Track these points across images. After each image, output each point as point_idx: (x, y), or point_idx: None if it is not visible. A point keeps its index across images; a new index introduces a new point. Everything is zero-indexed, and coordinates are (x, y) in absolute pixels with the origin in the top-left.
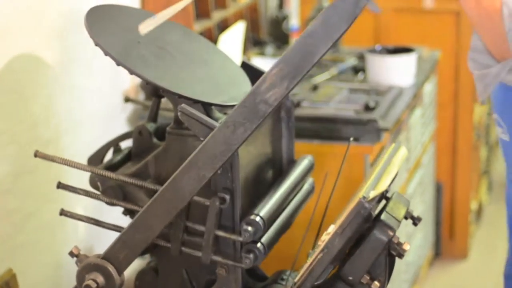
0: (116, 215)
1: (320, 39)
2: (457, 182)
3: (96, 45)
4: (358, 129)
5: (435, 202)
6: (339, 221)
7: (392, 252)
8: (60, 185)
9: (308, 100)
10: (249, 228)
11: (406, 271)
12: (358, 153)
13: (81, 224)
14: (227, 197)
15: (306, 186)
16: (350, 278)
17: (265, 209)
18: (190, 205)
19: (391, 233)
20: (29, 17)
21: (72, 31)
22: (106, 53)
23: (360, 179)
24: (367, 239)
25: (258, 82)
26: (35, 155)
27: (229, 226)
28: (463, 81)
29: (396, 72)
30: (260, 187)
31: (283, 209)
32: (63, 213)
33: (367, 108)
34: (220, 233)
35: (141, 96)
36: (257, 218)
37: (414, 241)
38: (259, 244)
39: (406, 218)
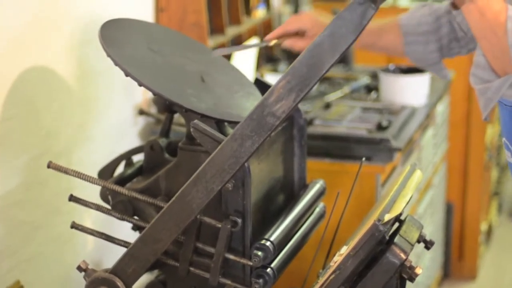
0: (126, 229)
1: (327, 50)
2: (467, 203)
3: (108, 56)
4: (371, 148)
5: (445, 223)
6: (353, 243)
7: (403, 275)
8: (72, 198)
9: (321, 118)
10: (260, 253)
11: None
12: (370, 172)
13: (90, 237)
14: (239, 220)
15: (317, 211)
16: None
17: (275, 234)
18: (201, 226)
19: (404, 257)
20: (43, 29)
21: (86, 44)
22: (116, 64)
23: (372, 198)
24: (380, 262)
25: (265, 94)
26: (48, 166)
27: (239, 249)
28: (476, 102)
29: (409, 91)
30: (271, 210)
31: (294, 234)
32: (74, 226)
33: (380, 128)
34: (230, 256)
35: (153, 111)
36: (268, 243)
37: (423, 261)
38: (269, 269)
39: (419, 241)
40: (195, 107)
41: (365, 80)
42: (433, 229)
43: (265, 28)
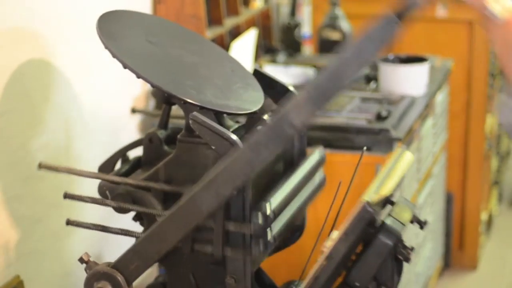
0: (124, 222)
1: (351, 66)
2: (467, 192)
3: (105, 48)
4: (370, 138)
5: (445, 213)
6: (343, 227)
7: (398, 256)
8: (67, 195)
9: None
10: (259, 217)
11: (415, 281)
12: (369, 162)
13: (89, 231)
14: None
15: (317, 179)
16: (357, 284)
17: (275, 198)
18: None
19: (397, 237)
20: (40, 22)
21: (84, 37)
22: (114, 56)
23: None
24: (372, 244)
25: (286, 105)
26: (39, 167)
27: (239, 217)
28: (475, 91)
29: (409, 81)
30: (270, 178)
31: (293, 199)
32: (69, 222)
33: (379, 118)
34: (230, 225)
35: (151, 103)
36: (267, 208)
37: (424, 251)
38: (268, 234)
39: (412, 222)
40: (194, 99)
41: (364, 70)
42: (433, 219)
43: (263, 19)
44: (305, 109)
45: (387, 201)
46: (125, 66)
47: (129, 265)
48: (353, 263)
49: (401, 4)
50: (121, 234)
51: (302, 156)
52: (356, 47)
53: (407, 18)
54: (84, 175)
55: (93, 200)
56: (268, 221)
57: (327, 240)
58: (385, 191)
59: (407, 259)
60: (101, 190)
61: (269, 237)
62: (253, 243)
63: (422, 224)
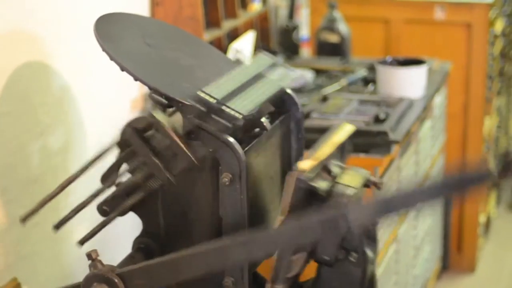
0: (120, 228)
1: (423, 197)
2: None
3: (103, 50)
4: (368, 141)
5: (444, 215)
6: (283, 204)
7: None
8: (57, 226)
9: (318, 111)
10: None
11: (413, 284)
12: (367, 165)
13: (86, 234)
14: None
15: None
16: (327, 258)
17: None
18: None
19: (346, 201)
20: (39, 24)
21: (81, 39)
22: (112, 58)
23: (369, 191)
24: (326, 213)
25: (351, 203)
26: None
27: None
28: (473, 93)
29: (407, 84)
30: (268, 204)
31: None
32: (82, 242)
33: (377, 120)
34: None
35: (149, 106)
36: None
37: (422, 254)
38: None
39: (368, 186)
40: (191, 101)
41: (362, 72)
42: (431, 222)
43: (261, 21)
44: (366, 213)
45: (327, 171)
46: (122, 69)
47: (135, 279)
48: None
49: (505, 168)
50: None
51: (299, 159)
52: (439, 182)
53: (501, 181)
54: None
55: (103, 225)
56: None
57: (276, 221)
58: (318, 157)
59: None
60: (100, 209)
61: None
62: None
63: (378, 185)
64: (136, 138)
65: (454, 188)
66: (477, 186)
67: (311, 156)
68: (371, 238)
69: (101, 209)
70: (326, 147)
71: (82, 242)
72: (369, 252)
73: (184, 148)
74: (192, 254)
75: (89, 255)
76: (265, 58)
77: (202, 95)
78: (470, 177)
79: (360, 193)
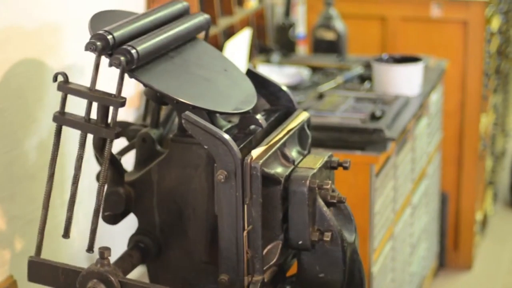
0: (116, 226)
1: None
2: (462, 192)
3: None
4: (364, 138)
5: (440, 213)
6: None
7: (330, 200)
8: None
9: (314, 109)
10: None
11: (410, 281)
12: (363, 162)
13: (84, 231)
14: None
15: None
16: (300, 242)
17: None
18: None
19: (307, 181)
20: (34, 22)
21: (77, 37)
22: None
23: (365, 189)
24: (289, 198)
25: None
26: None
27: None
28: (470, 91)
29: (403, 81)
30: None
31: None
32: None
33: (373, 117)
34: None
35: (144, 103)
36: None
37: (418, 251)
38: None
39: (334, 167)
40: (186, 99)
41: (358, 70)
42: (428, 219)
43: (257, 18)
44: None
45: (284, 157)
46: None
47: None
48: (286, 224)
49: None
50: None
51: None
52: None
53: None
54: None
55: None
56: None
57: None
58: (269, 142)
59: (341, 200)
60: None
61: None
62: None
63: (344, 165)
64: None
65: None
66: None
67: (263, 143)
68: (346, 217)
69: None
70: (279, 133)
71: (89, 249)
72: (345, 231)
73: None
74: None
75: (102, 253)
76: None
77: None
78: None
79: (324, 174)
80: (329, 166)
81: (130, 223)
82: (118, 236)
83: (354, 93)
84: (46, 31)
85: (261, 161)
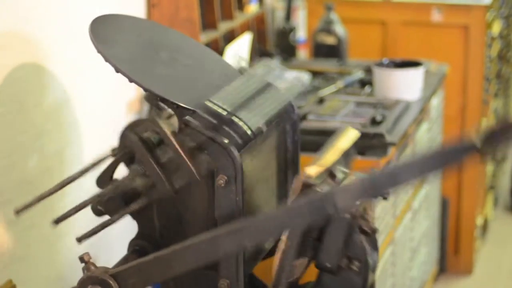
0: (115, 230)
1: (411, 172)
2: (463, 197)
3: (98, 52)
4: (364, 143)
5: (441, 218)
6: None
7: (364, 229)
8: (57, 221)
9: (314, 113)
10: None
11: (410, 286)
12: (364, 167)
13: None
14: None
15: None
16: (328, 265)
17: None
18: None
19: (353, 210)
20: (33, 26)
21: (77, 41)
22: (107, 60)
23: None
24: (330, 221)
25: (337, 187)
26: (16, 212)
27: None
28: (471, 95)
29: (403, 86)
30: (264, 207)
31: None
32: (80, 240)
33: (374, 122)
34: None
35: (145, 108)
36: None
37: (419, 256)
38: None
39: None
40: (186, 103)
41: (359, 74)
42: (428, 224)
43: (258, 23)
44: (352, 195)
45: (332, 176)
46: (117, 70)
47: (128, 279)
48: (319, 244)
49: (488, 139)
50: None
51: (295, 161)
52: (423, 157)
53: (486, 153)
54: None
55: (103, 226)
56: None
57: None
58: (325, 163)
59: (374, 231)
60: (94, 210)
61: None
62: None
63: (385, 195)
64: (140, 147)
65: (439, 162)
66: (462, 159)
67: (317, 161)
68: (373, 246)
69: (95, 209)
70: (332, 153)
71: (80, 239)
72: (370, 261)
73: (189, 163)
74: (182, 248)
75: (81, 258)
76: (271, 65)
77: (211, 105)
78: (455, 150)
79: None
80: None
81: (129, 227)
82: (117, 241)
83: (355, 98)
84: (46, 35)
85: (314, 181)
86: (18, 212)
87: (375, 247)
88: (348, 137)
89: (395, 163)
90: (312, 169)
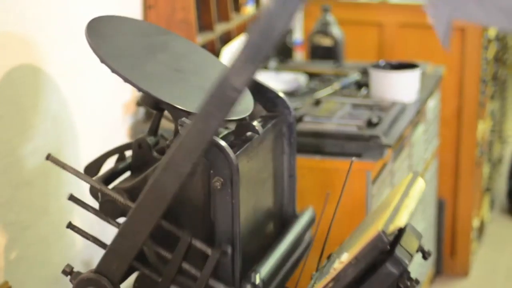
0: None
1: (279, 18)
2: (459, 199)
3: (94, 52)
4: (361, 145)
5: (437, 219)
6: (354, 251)
7: (400, 285)
8: (72, 198)
9: (310, 115)
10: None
11: None
12: (360, 169)
13: (78, 237)
14: (229, 251)
15: (306, 239)
16: None
17: (264, 267)
18: (189, 247)
19: (404, 268)
20: (30, 28)
21: (73, 42)
22: (102, 61)
23: (362, 195)
24: (379, 271)
25: (225, 71)
26: (47, 158)
27: (229, 282)
28: (467, 98)
29: (400, 88)
30: (261, 238)
31: (283, 266)
32: (70, 226)
33: (370, 124)
34: (215, 285)
35: (141, 109)
36: (257, 279)
37: (415, 258)
38: None
39: (417, 251)
40: (183, 105)
41: (355, 76)
42: (425, 225)
43: None
44: (244, 70)
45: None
46: (113, 71)
47: (110, 267)
48: (356, 285)
49: None
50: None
51: (292, 185)
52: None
53: None
54: (86, 180)
55: (96, 213)
56: None
57: (336, 262)
58: (401, 222)
59: None
60: (93, 191)
61: None
62: None
63: (426, 255)
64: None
65: None
66: None
67: (393, 216)
68: None
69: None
70: (405, 209)
71: (69, 225)
72: None
73: None
74: (135, 210)
75: (64, 272)
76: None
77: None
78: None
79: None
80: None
81: None
82: None
83: (351, 100)
84: (43, 37)
85: (388, 239)
86: (49, 158)
87: None
88: (417, 190)
89: (259, 19)
90: (392, 227)
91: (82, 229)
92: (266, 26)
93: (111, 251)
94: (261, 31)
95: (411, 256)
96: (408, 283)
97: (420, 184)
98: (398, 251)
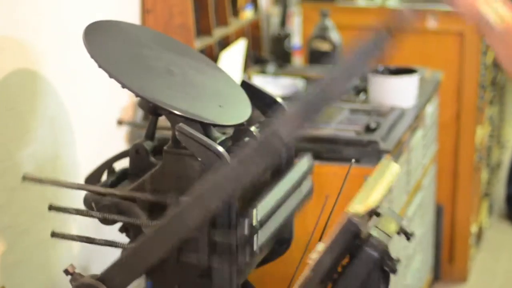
0: (110, 233)
1: (339, 84)
2: (457, 204)
3: (91, 57)
4: (359, 150)
5: (435, 225)
6: (328, 239)
7: (385, 268)
8: (52, 207)
9: None
10: (245, 226)
11: None
12: (358, 174)
13: (75, 242)
14: None
15: (304, 188)
16: None
17: (261, 207)
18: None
19: (383, 249)
20: (27, 32)
21: (71, 47)
22: (100, 65)
23: None
24: (358, 256)
25: (276, 120)
26: (23, 179)
27: (225, 226)
28: (465, 103)
29: (398, 93)
30: (257, 187)
31: (279, 208)
32: (54, 234)
33: (368, 129)
34: (216, 234)
35: (139, 113)
36: (253, 217)
37: (413, 264)
38: (254, 244)
39: (399, 233)
40: (180, 110)
41: (353, 81)
42: (423, 231)
43: (252, 29)
44: (294, 123)
45: (373, 212)
46: (110, 76)
47: (114, 278)
48: (339, 275)
49: (391, 19)
50: (106, 245)
51: (289, 164)
52: (344, 66)
53: (397, 32)
54: (69, 186)
55: (78, 212)
56: (254, 230)
57: (312, 252)
58: (371, 203)
59: (393, 271)
60: (86, 202)
61: (255, 247)
62: (239, 253)
63: (408, 236)
64: None
65: (362, 60)
66: (380, 47)
67: (363, 198)
68: (385, 284)
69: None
70: (377, 192)
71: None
72: None
73: None
74: (154, 232)
75: (66, 271)
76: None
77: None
78: (371, 44)
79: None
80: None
81: (122, 234)
82: (111, 248)
83: (349, 105)
84: (40, 41)
85: (359, 221)
86: (25, 178)
87: (387, 283)
88: (392, 173)
89: (320, 80)
90: (360, 207)
91: (67, 233)
92: (326, 88)
93: (119, 264)
94: (320, 92)
95: (390, 237)
96: (391, 263)
97: (393, 169)
98: (375, 233)
